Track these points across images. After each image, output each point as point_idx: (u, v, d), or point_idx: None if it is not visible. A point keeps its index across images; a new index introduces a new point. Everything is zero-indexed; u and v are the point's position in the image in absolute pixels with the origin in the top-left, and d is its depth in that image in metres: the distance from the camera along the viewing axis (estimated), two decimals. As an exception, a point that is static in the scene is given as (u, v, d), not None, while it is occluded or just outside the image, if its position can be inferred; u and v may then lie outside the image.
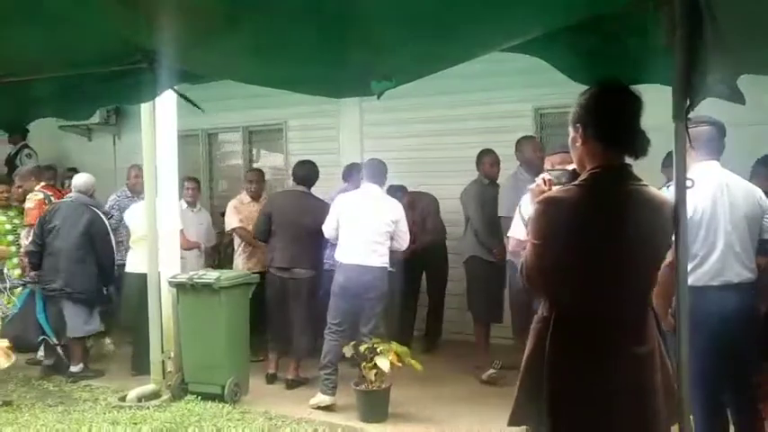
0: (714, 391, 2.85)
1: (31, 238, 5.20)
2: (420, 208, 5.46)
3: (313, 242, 4.73)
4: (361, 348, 4.09)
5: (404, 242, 4.47)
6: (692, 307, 2.54)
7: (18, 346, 4.83)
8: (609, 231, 1.73)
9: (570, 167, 1.93)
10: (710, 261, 2.80)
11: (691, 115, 1.80)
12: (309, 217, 4.73)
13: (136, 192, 5.63)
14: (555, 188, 1.88)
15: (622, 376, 1.72)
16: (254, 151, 7.25)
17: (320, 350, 4.40)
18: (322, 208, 4.74)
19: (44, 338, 5.11)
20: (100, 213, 5.31)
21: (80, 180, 5.34)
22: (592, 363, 1.72)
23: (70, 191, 5.41)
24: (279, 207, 4.94)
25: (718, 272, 2.80)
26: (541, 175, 1.96)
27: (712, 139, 2.93)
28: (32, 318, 5.08)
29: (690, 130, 2.75)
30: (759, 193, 2.95)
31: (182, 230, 5.22)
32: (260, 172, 5.89)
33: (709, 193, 2.83)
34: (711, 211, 2.80)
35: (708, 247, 2.79)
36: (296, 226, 4.75)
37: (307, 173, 4.94)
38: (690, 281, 2.71)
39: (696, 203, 2.78)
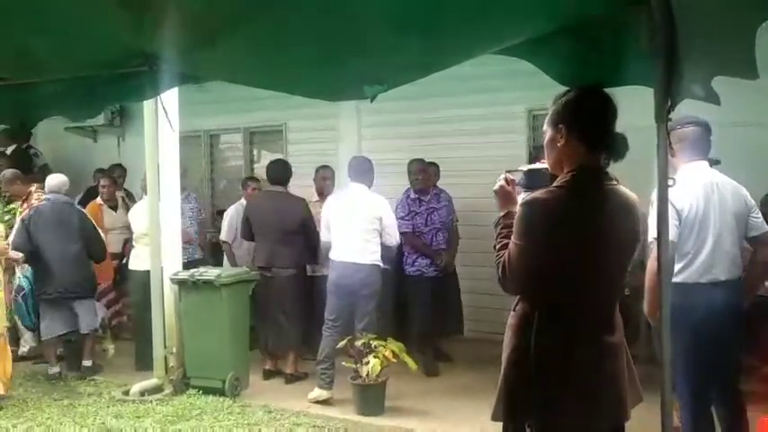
0: (701, 386, 2.92)
1: (12, 243, 4.91)
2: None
3: (291, 240, 4.84)
4: (357, 344, 4.18)
5: (392, 238, 4.56)
6: (681, 304, 2.63)
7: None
8: (592, 231, 1.80)
9: (536, 166, 1.98)
10: (700, 258, 2.86)
11: (673, 116, 1.86)
12: (286, 216, 4.86)
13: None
14: (518, 188, 1.94)
15: (603, 366, 1.81)
16: (255, 152, 7.33)
17: (317, 346, 4.50)
18: (298, 206, 4.89)
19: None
20: (83, 210, 5.42)
21: (54, 181, 5.27)
22: (577, 356, 1.79)
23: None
24: (256, 208, 5.10)
25: (707, 269, 2.86)
26: (502, 176, 2.00)
27: (699, 140, 3.00)
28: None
29: (677, 131, 2.87)
30: (745, 192, 3.03)
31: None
32: (329, 169, 5.53)
33: (701, 192, 2.89)
34: (704, 210, 2.86)
35: (698, 245, 2.86)
36: (273, 225, 4.88)
37: (281, 172, 5.06)
38: (680, 278, 2.82)
39: (690, 202, 2.85)
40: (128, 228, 5.74)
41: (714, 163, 3.07)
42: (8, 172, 5.72)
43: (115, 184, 6.33)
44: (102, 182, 6.16)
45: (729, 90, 1.88)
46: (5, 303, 4.55)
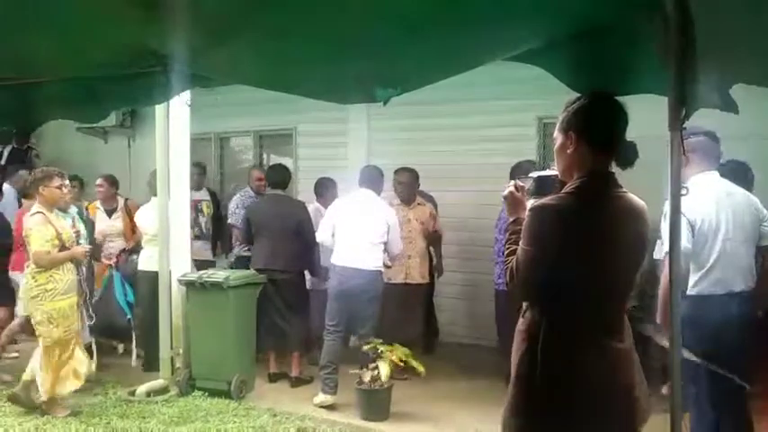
0: (711, 396, 2.90)
1: None
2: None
3: (290, 243, 4.85)
4: (365, 348, 4.16)
5: (395, 248, 4.56)
6: (697, 315, 2.62)
7: (108, 331, 4.95)
8: (600, 238, 1.80)
9: (545, 173, 1.98)
10: (715, 270, 2.86)
11: (687, 126, 1.85)
12: (285, 219, 4.89)
13: (260, 192, 5.71)
14: (528, 195, 1.94)
15: (612, 373, 1.79)
16: (265, 155, 7.36)
17: (319, 350, 4.50)
18: (297, 210, 4.94)
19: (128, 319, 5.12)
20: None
21: None
22: (586, 362, 1.78)
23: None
24: (255, 212, 5.14)
25: (721, 281, 2.85)
26: (512, 182, 2.00)
27: (710, 150, 2.99)
28: (113, 302, 5.08)
29: (687, 141, 2.85)
30: (756, 201, 3.01)
31: None
32: (411, 172, 5.25)
33: (713, 203, 2.88)
34: (716, 222, 2.86)
35: (713, 256, 2.85)
36: (272, 229, 4.91)
37: (281, 176, 5.11)
38: (696, 290, 2.83)
39: (703, 214, 2.84)
40: (123, 235, 5.64)
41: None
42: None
43: (114, 185, 5.86)
44: (98, 182, 5.78)
45: (750, 100, 1.86)
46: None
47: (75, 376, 4.25)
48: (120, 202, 5.88)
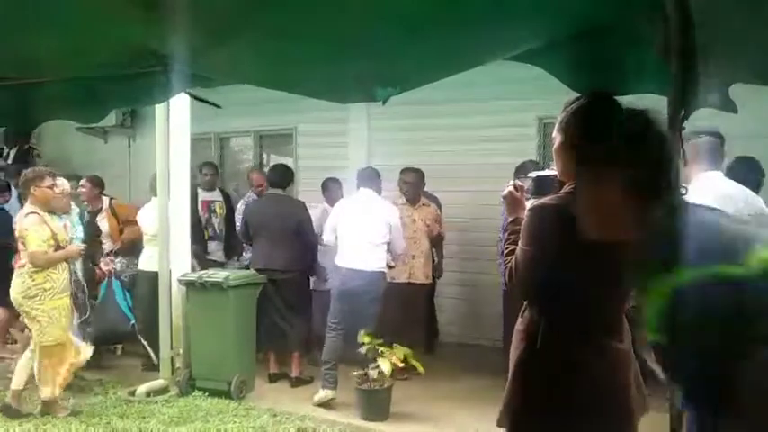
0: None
1: None
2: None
3: (290, 243, 4.85)
4: (364, 349, 4.17)
5: (398, 248, 4.57)
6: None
7: (111, 336, 4.94)
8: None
9: (545, 173, 1.98)
10: None
11: (688, 126, 1.84)
12: (285, 219, 4.88)
13: (262, 195, 5.67)
14: (527, 195, 1.95)
15: (610, 373, 1.79)
16: (265, 155, 7.37)
17: (320, 350, 4.53)
18: (297, 210, 4.93)
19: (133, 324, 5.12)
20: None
21: None
22: (584, 362, 1.77)
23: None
24: (254, 212, 5.15)
25: None
26: (511, 182, 2.02)
27: (713, 150, 2.99)
28: (115, 307, 5.09)
29: (690, 141, 2.85)
30: (760, 201, 3.01)
31: None
32: (417, 172, 5.28)
33: (713, 203, 2.87)
34: None
35: None
36: (272, 229, 4.91)
37: (281, 176, 5.10)
38: (695, 289, 2.80)
39: None
40: (110, 237, 5.55)
41: None
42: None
43: (100, 186, 5.68)
44: (81, 183, 5.60)
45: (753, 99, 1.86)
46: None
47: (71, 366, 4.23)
48: (105, 202, 5.72)
